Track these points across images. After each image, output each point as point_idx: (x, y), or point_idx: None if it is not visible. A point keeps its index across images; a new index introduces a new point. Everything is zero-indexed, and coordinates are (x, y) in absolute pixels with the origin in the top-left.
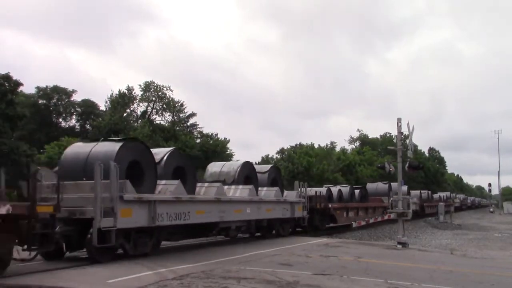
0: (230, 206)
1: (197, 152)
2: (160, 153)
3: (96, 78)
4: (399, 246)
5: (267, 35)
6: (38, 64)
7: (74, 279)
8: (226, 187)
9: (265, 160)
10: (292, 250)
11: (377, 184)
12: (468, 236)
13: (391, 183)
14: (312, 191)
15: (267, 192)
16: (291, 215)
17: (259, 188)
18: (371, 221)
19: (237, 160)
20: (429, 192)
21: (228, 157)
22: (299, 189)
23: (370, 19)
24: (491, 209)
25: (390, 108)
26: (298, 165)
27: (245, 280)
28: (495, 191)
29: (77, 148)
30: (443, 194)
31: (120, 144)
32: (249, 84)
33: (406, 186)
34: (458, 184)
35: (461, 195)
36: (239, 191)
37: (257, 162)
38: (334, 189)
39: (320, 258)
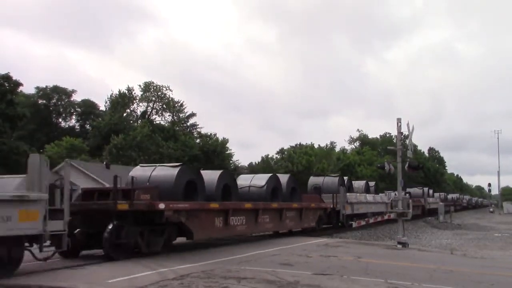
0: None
1: (197, 152)
2: (212, 174)
3: (95, 78)
4: (399, 246)
5: (265, 35)
6: (36, 64)
7: (74, 279)
8: None
9: (265, 160)
10: (292, 250)
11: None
12: (468, 236)
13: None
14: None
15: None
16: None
17: None
18: (371, 221)
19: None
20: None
21: (228, 157)
22: None
23: (369, 18)
24: (491, 209)
25: (389, 108)
26: (297, 165)
27: (245, 280)
28: (495, 191)
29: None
30: (454, 196)
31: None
32: (248, 84)
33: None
34: (457, 184)
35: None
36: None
37: (257, 162)
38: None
39: (320, 258)
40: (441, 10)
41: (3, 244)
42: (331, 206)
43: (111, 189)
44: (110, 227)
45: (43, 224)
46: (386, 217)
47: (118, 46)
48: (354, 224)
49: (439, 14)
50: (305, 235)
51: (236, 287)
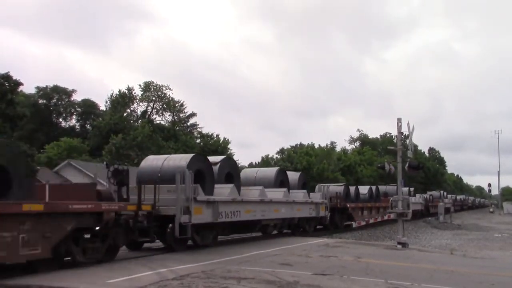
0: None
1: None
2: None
3: (93, 77)
4: (399, 246)
5: (264, 35)
6: (34, 63)
7: (74, 279)
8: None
9: (265, 160)
10: (292, 250)
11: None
12: (468, 236)
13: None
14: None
15: (296, 194)
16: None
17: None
18: (371, 221)
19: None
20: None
21: None
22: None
23: (367, 18)
24: (491, 209)
25: (388, 107)
26: (298, 165)
27: (245, 280)
28: (495, 191)
29: (151, 161)
30: (461, 197)
31: (190, 156)
32: (247, 84)
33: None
34: (457, 184)
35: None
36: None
37: (257, 162)
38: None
39: (320, 258)
40: (438, 9)
41: None
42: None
43: None
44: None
45: None
46: (386, 217)
47: (116, 46)
48: (354, 224)
49: (437, 13)
50: (305, 235)
51: (236, 287)
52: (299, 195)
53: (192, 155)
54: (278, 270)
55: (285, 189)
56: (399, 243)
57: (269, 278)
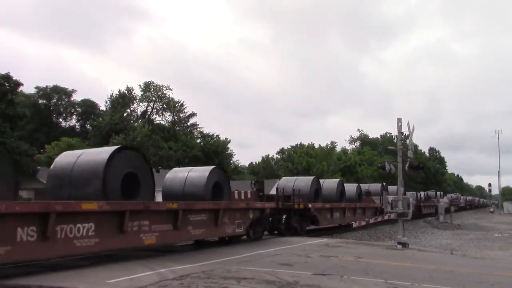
0: None
1: (197, 153)
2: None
3: (91, 77)
4: (399, 246)
5: (262, 35)
6: (32, 63)
7: (74, 279)
8: None
9: (265, 160)
10: (292, 250)
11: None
12: (468, 236)
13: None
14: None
15: None
16: None
17: None
18: (371, 221)
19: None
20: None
21: (228, 157)
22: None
23: (364, 18)
24: (491, 209)
25: (387, 107)
26: (298, 165)
27: (245, 280)
28: (495, 191)
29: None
30: (469, 198)
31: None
32: (245, 85)
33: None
34: (458, 184)
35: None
36: None
37: (257, 162)
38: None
39: (320, 258)
40: (436, 9)
41: None
42: None
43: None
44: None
45: None
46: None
47: (114, 46)
48: (355, 224)
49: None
50: (305, 235)
51: (236, 287)
52: None
53: (212, 168)
54: (278, 270)
55: None
56: (399, 243)
57: (269, 278)
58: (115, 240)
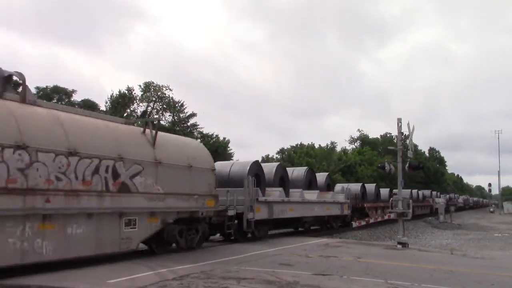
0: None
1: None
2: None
3: (89, 77)
4: (399, 246)
5: (259, 35)
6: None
7: (74, 279)
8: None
9: (266, 160)
10: (292, 250)
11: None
12: (468, 236)
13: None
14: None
15: (326, 195)
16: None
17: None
18: (371, 221)
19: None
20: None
21: (228, 157)
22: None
23: (360, 17)
24: (491, 209)
25: (386, 107)
26: (298, 165)
27: (245, 280)
28: (495, 191)
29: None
30: (475, 199)
31: (250, 163)
32: (244, 84)
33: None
34: (458, 184)
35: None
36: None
37: None
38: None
39: (320, 258)
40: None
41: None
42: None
43: None
44: None
45: None
46: (386, 217)
47: (111, 46)
48: (355, 224)
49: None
50: (305, 235)
51: (236, 287)
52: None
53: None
54: (278, 270)
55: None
56: (399, 243)
57: (269, 278)
58: None
